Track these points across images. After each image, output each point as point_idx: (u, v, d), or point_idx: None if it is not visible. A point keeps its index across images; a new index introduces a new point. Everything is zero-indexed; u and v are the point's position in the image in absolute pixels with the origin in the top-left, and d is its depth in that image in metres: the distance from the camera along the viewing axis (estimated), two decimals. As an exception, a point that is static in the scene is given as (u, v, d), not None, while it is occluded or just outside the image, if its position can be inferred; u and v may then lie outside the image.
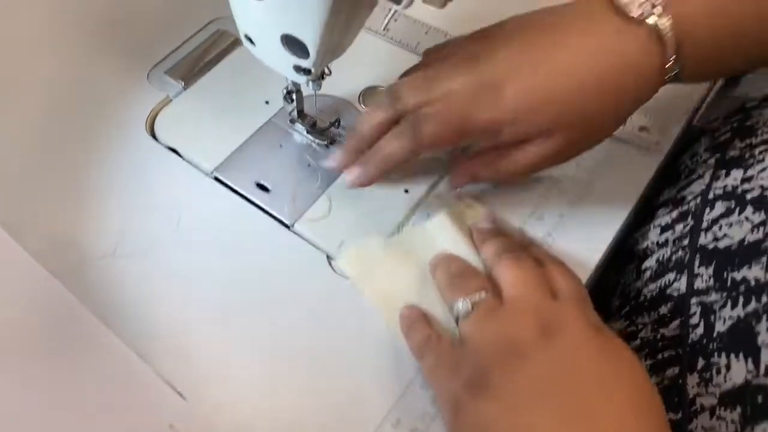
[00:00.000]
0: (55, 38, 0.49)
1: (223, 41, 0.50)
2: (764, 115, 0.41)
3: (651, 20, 0.35)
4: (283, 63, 0.37)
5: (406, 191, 0.43)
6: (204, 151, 0.44)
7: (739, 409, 0.31)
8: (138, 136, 0.45)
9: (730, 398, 0.31)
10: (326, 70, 0.39)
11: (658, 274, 0.40)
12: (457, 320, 0.35)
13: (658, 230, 0.42)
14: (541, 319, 0.32)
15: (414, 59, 0.48)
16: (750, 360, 0.31)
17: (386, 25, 0.37)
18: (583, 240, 0.41)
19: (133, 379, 0.35)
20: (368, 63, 0.49)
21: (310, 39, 0.34)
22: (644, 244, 0.43)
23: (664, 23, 0.34)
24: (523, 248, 0.38)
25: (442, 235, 0.40)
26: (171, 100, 0.47)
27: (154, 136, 0.45)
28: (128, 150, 0.44)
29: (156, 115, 0.46)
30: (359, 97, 0.47)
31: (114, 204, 0.42)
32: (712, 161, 0.42)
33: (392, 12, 0.35)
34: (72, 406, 0.35)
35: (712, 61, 0.37)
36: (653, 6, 0.34)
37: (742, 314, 0.32)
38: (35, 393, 0.35)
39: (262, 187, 0.43)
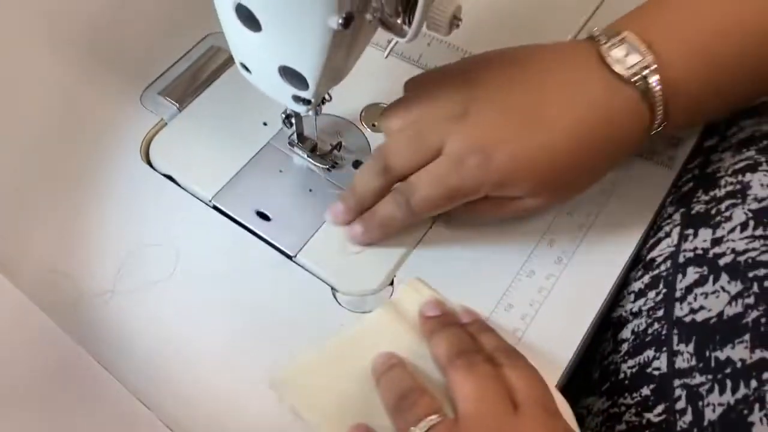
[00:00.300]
0: (42, 62, 0.47)
1: (218, 58, 0.48)
2: (724, 161, 0.40)
3: (641, 83, 0.35)
4: (282, 93, 0.36)
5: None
6: (201, 177, 0.43)
7: None
8: (133, 163, 0.43)
9: None
10: (326, 96, 0.37)
11: (636, 350, 0.38)
12: None
13: (632, 297, 0.41)
14: None
15: (416, 72, 0.46)
16: None
17: (388, 54, 0.35)
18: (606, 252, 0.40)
19: (136, 425, 0.34)
20: (369, 79, 0.47)
21: (309, 71, 0.32)
22: (618, 312, 0.41)
23: (655, 87, 0.35)
24: (476, 346, 0.35)
25: (382, 331, 0.37)
26: (166, 123, 0.45)
27: (149, 162, 0.44)
28: (123, 179, 0.43)
29: (151, 139, 0.44)
30: (360, 115, 0.46)
31: (111, 236, 0.40)
32: (677, 217, 0.41)
33: (394, 43, 0.33)
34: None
35: (698, 115, 0.39)
36: (645, 68, 0.35)
37: (732, 401, 0.31)
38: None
39: (263, 216, 0.41)
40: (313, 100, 0.35)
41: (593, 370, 0.41)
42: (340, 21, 0.28)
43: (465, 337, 0.35)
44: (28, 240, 0.40)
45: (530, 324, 0.38)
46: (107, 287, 0.39)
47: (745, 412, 0.30)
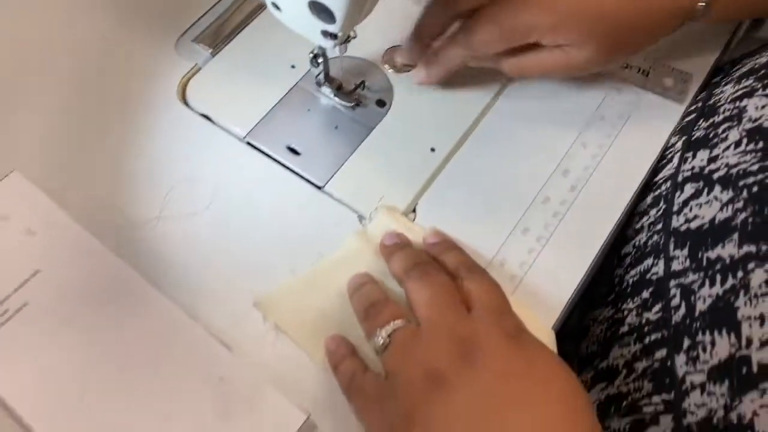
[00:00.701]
0: (84, 16, 0.50)
1: (247, 6, 0.51)
2: (725, 92, 0.42)
3: None
4: (310, 29, 0.38)
5: (433, 150, 0.44)
6: (235, 116, 0.45)
7: (726, 383, 0.31)
8: (171, 105, 0.46)
9: (717, 373, 0.32)
10: (352, 33, 0.40)
11: (637, 260, 0.41)
12: (376, 353, 0.35)
13: (636, 217, 0.43)
14: (457, 341, 0.32)
15: None
16: (732, 334, 0.32)
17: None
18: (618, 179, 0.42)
19: (182, 335, 0.38)
20: (390, 23, 0.49)
21: (337, 4, 0.35)
22: (623, 232, 0.44)
23: None
24: (430, 260, 0.37)
25: (355, 256, 0.40)
26: (200, 68, 0.48)
27: (186, 103, 0.47)
28: (163, 119, 0.46)
29: (187, 83, 0.47)
30: (382, 57, 0.48)
31: (154, 170, 0.43)
32: (679, 144, 0.43)
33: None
34: (125, 364, 0.37)
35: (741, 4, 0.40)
36: None
37: (720, 292, 0.33)
38: (88, 353, 0.37)
39: (293, 151, 0.44)
40: (339, 35, 0.38)
41: (600, 285, 0.44)
42: (366, -49, 0.30)
43: (421, 253, 0.38)
44: (82, 174, 0.43)
45: (545, 245, 0.40)
46: (153, 215, 0.42)
47: (732, 299, 0.32)
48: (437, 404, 0.31)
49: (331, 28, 0.37)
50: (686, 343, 0.34)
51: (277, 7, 0.39)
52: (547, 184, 0.43)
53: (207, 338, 0.37)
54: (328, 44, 0.39)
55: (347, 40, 0.40)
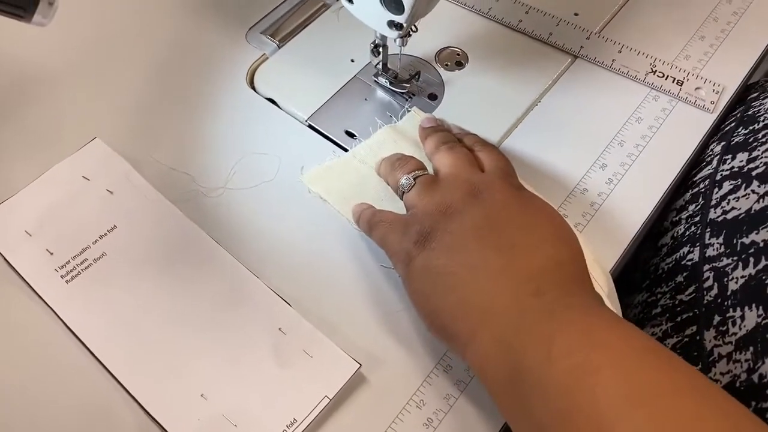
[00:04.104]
0: (165, 6, 0.54)
1: (311, 5, 0.55)
2: (765, 104, 0.45)
3: None
4: (378, 19, 0.42)
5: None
6: (298, 102, 0.49)
7: (751, 349, 0.34)
8: (240, 88, 0.50)
9: (743, 342, 0.35)
10: (413, 28, 0.44)
11: (673, 249, 0.44)
12: (401, 195, 0.41)
13: (674, 213, 0.47)
14: (471, 186, 0.38)
15: (484, 22, 0.53)
16: (761, 307, 0.34)
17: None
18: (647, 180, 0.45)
19: (246, 290, 0.41)
20: (442, 26, 0.53)
21: (407, -5, 0.39)
22: (659, 226, 0.47)
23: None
24: (457, 140, 0.44)
25: (386, 141, 0.46)
26: (267, 58, 0.52)
27: (253, 88, 0.51)
28: (232, 100, 0.50)
29: (255, 70, 0.52)
30: (435, 56, 0.52)
31: (222, 145, 0.47)
32: (718, 149, 0.46)
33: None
34: (192, 313, 0.40)
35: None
36: None
37: (753, 272, 0.36)
38: (163, 303, 0.41)
39: (350, 134, 0.48)
40: (405, 25, 0.42)
41: (635, 273, 0.47)
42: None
43: (451, 136, 0.44)
44: (155, 144, 0.47)
45: (581, 232, 0.43)
46: (220, 184, 0.46)
47: (764, 277, 0.35)
48: (450, 222, 0.36)
49: (399, 19, 0.41)
50: (716, 319, 0.37)
51: (350, 0, 0.43)
52: (585, 177, 0.46)
53: (268, 293, 0.41)
54: (392, 34, 0.43)
55: (408, 34, 0.44)
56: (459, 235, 0.36)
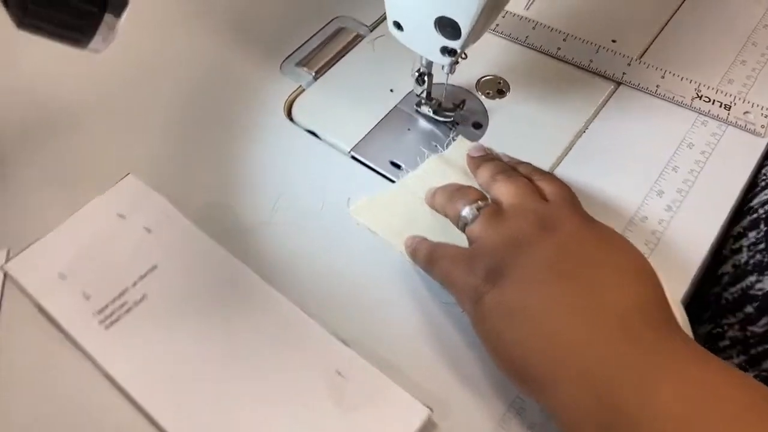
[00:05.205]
0: (198, 39, 0.53)
1: (345, 37, 0.54)
2: None
3: None
4: (431, 45, 0.41)
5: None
6: (340, 133, 0.48)
7: None
8: (278, 121, 0.49)
9: None
10: (463, 54, 0.42)
11: (737, 278, 0.43)
12: (463, 227, 0.39)
13: (731, 240, 0.45)
14: (540, 218, 0.36)
15: (522, 51, 0.52)
16: None
17: (530, 4, 0.40)
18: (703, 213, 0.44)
19: (298, 330, 0.38)
20: (481, 55, 0.52)
21: (465, 19, 0.38)
22: (717, 252, 0.45)
23: None
24: (513, 168, 0.42)
25: (434, 173, 0.45)
26: (304, 89, 0.51)
27: (292, 120, 0.49)
28: (271, 133, 0.48)
29: (292, 102, 0.50)
30: (477, 84, 0.51)
31: (264, 179, 0.45)
32: None
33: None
34: (238, 355, 0.38)
35: None
36: None
37: None
38: (211, 347, 0.38)
39: (395, 165, 0.46)
40: (459, 50, 0.40)
41: (694, 304, 0.45)
42: (509, -35, 0.33)
43: (504, 165, 0.42)
44: (195, 179, 0.45)
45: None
46: (264, 219, 0.43)
47: None
48: (523, 257, 0.34)
49: (453, 44, 0.40)
50: None
51: (399, 27, 0.42)
52: (643, 204, 0.44)
53: (322, 332, 0.38)
54: (444, 61, 0.42)
55: (457, 61, 0.43)
56: (533, 269, 0.34)
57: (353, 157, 0.47)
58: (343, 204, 0.44)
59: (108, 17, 0.28)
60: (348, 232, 0.43)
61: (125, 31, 0.51)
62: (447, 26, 0.39)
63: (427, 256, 0.39)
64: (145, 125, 0.48)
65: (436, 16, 0.38)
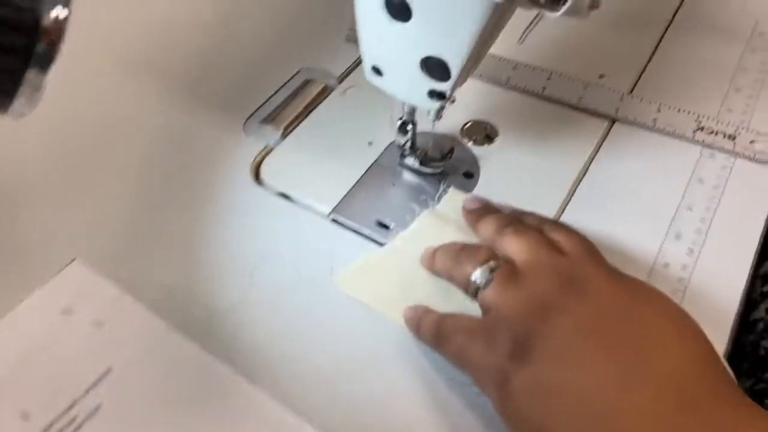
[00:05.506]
0: (151, 101, 0.48)
1: (313, 89, 0.49)
2: None
3: None
4: (417, 89, 0.36)
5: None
6: (316, 194, 0.42)
7: None
8: (245, 185, 0.43)
9: None
10: (453, 96, 0.38)
11: None
12: (475, 293, 0.33)
13: (759, 282, 0.41)
14: (563, 276, 0.31)
15: (504, 93, 0.48)
16: None
17: (524, 38, 0.36)
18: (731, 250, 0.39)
19: (288, 434, 0.32)
20: (463, 99, 0.48)
21: (455, 58, 0.33)
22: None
23: None
24: (518, 220, 0.37)
25: (428, 232, 0.39)
26: (272, 149, 0.45)
27: (261, 183, 0.44)
28: (238, 200, 0.42)
29: (259, 163, 0.45)
30: (462, 130, 0.46)
31: (233, 253, 0.40)
32: None
33: (537, 20, 0.35)
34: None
35: None
36: None
37: None
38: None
39: (383, 225, 0.41)
40: (448, 93, 0.36)
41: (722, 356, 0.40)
42: (506, -7, 0.29)
43: (509, 216, 0.38)
44: (153, 260, 0.39)
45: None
46: (235, 300, 0.37)
47: None
48: (553, 326, 0.29)
49: (442, 87, 0.35)
50: None
51: (378, 72, 0.37)
52: (662, 249, 0.40)
53: (318, 436, 0.32)
54: (433, 105, 0.37)
55: (443, 107, 0.38)
56: (567, 339, 0.29)
57: (334, 220, 0.41)
58: (326, 274, 0.38)
59: (32, 74, 0.23)
60: (335, 306, 0.37)
61: (66, 93, 0.46)
62: (435, 67, 0.34)
63: (435, 331, 0.33)
64: (93, 200, 0.42)
65: (421, 57, 0.34)
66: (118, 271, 0.38)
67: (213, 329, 0.36)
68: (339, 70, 0.51)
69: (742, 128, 0.46)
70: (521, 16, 0.35)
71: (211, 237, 0.40)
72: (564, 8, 0.31)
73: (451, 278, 0.35)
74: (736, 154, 0.45)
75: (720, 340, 0.36)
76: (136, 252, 0.39)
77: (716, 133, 0.46)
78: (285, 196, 0.43)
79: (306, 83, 0.50)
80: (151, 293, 0.37)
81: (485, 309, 0.33)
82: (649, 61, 0.52)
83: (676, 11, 0.56)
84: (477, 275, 0.33)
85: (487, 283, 0.32)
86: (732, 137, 0.46)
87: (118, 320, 0.36)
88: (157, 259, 0.39)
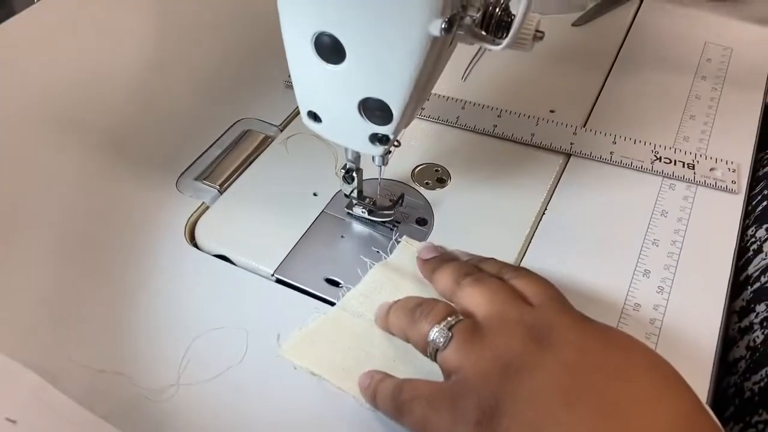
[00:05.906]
0: (70, 158, 0.44)
1: (252, 141, 0.46)
2: None
3: None
4: (357, 134, 0.33)
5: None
6: (259, 254, 0.39)
7: None
8: (180, 248, 0.39)
9: None
10: (396, 142, 0.35)
11: (759, 363, 0.36)
12: (434, 354, 0.30)
13: (735, 317, 0.39)
14: (529, 329, 0.29)
15: (453, 131, 0.47)
16: None
17: (467, 74, 0.34)
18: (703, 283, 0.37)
19: None
20: (412, 142, 0.46)
21: (395, 99, 0.31)
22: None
23: None
24: (477, 267, 0.34)
25: (380, 287, 0.36)
26: (208, 206, 0.42)
27: (196, 245, 0.40)
28: (171, 265, 0.38)
29: (194, 223, 0.41)
30: (412, 175, 0.44)
31: (167, 327, 0.35)
32: (761, 233, 0.40)
33: (479, 56, 0.32)
34: None
35: None
36: None
37: None
38: None
39: (333, 282, 0.37)
40: (391, 137, 0.33)
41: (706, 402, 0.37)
42: (443, 26, 0.27)
43: (467, 265, 0.35)
44: (74, 343, 0.35)
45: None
46: (170, 381, 0.33)
47: None
48: (522, 388, 0.27)
49: (384, 130, 0.33)
50: None
51: (315, 118, 0.34)
52: (632, 289, 0.37)
53: None
54: (376, 151, 0.34)
55: (389, 152, 0.36)
56: (540, 400, 0.26)
57: (279, 281, 0.38)
58: (272, 343, 0.35)
59: None
60: (283, 379, 0.33)
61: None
62: (375, 110, 0.32)
63: (393, 399, 0.30)
64: (4, 278, 0.37)
65: (359, 99, 0.31)
66: (36, 355, 0.33)
67: (145, 414, 0.32)
68: (279, 119, 0.48)
69: (700, 156, 0.45)
70: (464, 52, 0.33)
71: (142, 309, 0.36)
72: (506, 41, 0.29)
73: (407, 339, 0.32)
74: (696, 183, 0.43)
75: (701, 383, 0.33)
76: (58, 333, 0.35)
77: (674, 163, 0.44)
78: (224, 257, 0.39)
79: (244, 134, 0.47)
80: (76, 378, 0.33)
81: (446, 372, 0.29)
82: (599, 94, 0.51)
83: (622, 44, 0.56)
84: (434, 334, 0.30)
85: (447, 342, 0.29)
86: (691, 166, 0.44)
87: (36, 415, 0.31)
88: (82, 339, 0.35)
